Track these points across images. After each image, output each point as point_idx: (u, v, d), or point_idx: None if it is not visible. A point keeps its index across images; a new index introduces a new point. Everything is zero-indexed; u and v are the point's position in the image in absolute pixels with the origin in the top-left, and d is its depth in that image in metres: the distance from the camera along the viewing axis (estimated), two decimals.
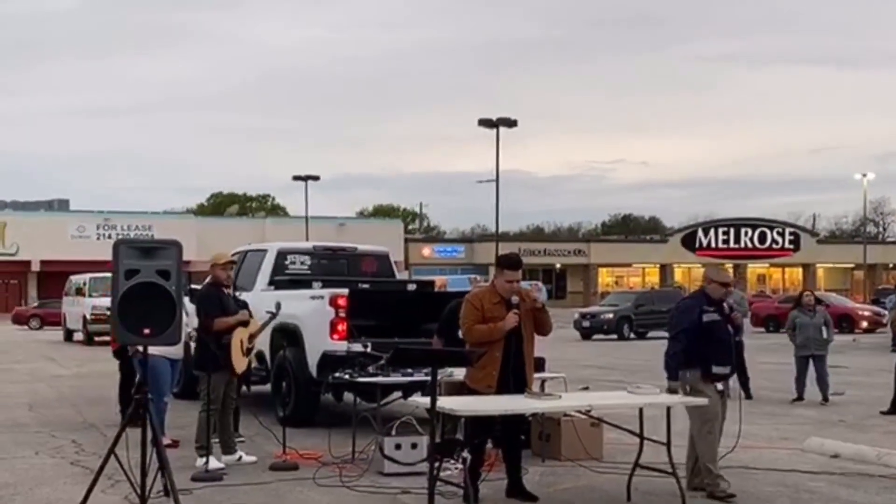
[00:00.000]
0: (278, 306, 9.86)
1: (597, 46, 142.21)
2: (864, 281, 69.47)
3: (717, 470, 8.09)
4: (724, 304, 8.33)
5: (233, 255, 12.13)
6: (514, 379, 7.70)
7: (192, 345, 9.95)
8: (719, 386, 8.18)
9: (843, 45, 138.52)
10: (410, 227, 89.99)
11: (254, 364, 11.36)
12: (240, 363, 9.43)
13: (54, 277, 48.64)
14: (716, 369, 8.15)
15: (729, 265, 74.90)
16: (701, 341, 8.09)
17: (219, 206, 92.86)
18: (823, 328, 14.84)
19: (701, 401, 7.97)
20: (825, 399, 14.53)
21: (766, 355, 22.61)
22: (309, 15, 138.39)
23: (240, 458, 9.40)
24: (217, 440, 9.33)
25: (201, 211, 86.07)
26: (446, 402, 7.17)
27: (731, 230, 76.86)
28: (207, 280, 9.78)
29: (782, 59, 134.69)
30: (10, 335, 35.30)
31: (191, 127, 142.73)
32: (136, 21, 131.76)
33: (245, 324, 9.50)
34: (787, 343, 15.27)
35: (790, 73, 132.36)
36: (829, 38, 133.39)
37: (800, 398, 14.73)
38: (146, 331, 7.57)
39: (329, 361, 11.04)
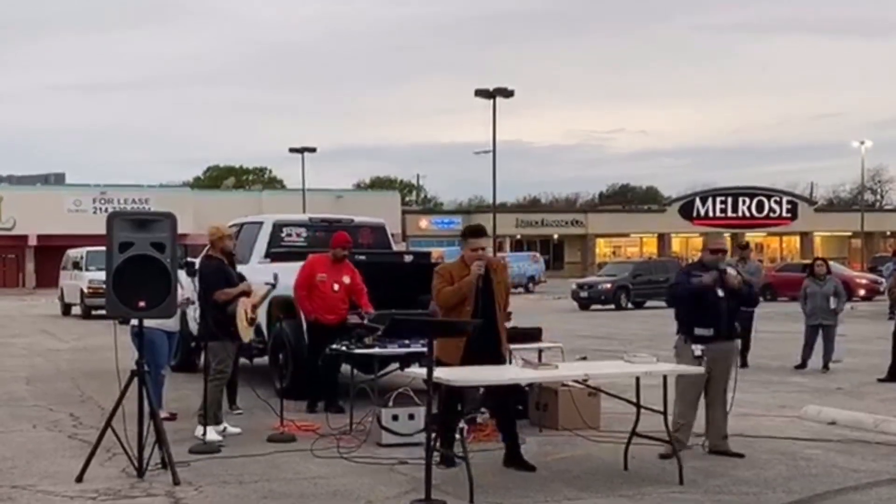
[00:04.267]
0: (276, 277, 9.85)
1: (597, 16, 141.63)
2: (862, 249, 69.40)
3: (680, 433, 8.13)
4: (728, 270, 8.38)
5: (229, 227, 12.08)
6: (484, 349, 7.69)
7: (194, 316, 9.89)
8: (696, 350, 8.18)
9: (842, 13, 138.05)
10: (408, 198, 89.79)
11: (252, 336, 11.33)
12: (245, 332, 9.50)
13: (51, 251, 48.53)
14: (697, 331, 8.26)
15: (727, 234, 75.04)
16: (690, 305, 8.33)
17: (215, 179, 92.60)
18: (832, 298, 14.69)
19: (697, 369, 7.99)
20: (825, 367, 14.55)
21: (764, 324, 22.57)
22: None
23: (224, 429, 9.36)
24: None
25: (198, 184, 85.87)
26: (443, 373, 7.16)
27: (729, 199, 76.64)
28: (207, 251, 9.73)
29: (782, 28, 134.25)
30: (8, 309, 35.27)
31: (188, 101, 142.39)
32: None
33: (247, 294, 9.52)
34: (786, 312, 15.27)
35: (790, 41, 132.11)
36: (830, 7, 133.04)
37: (802, 365, 14.72)
38: (141, 303, 7.56)
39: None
